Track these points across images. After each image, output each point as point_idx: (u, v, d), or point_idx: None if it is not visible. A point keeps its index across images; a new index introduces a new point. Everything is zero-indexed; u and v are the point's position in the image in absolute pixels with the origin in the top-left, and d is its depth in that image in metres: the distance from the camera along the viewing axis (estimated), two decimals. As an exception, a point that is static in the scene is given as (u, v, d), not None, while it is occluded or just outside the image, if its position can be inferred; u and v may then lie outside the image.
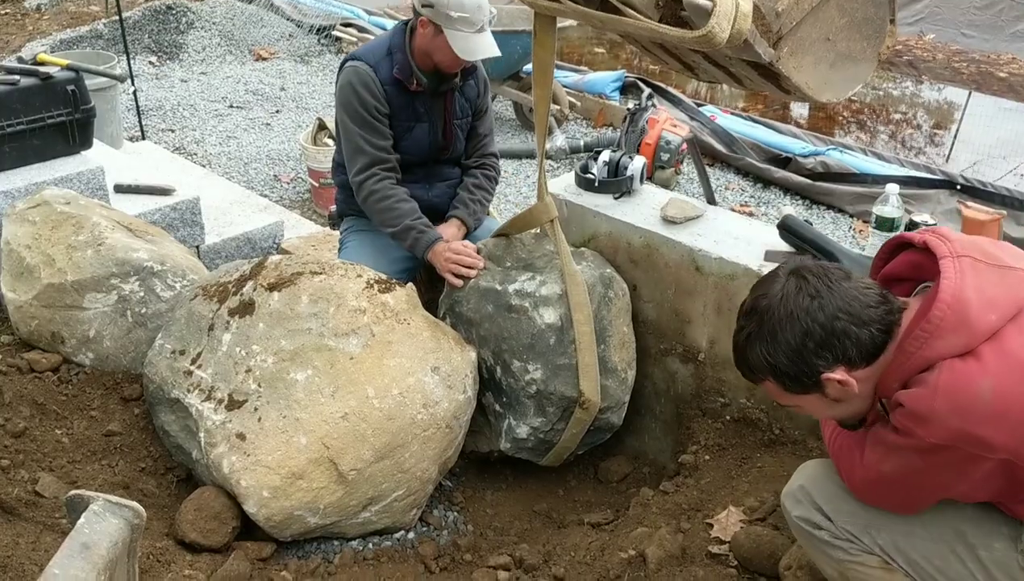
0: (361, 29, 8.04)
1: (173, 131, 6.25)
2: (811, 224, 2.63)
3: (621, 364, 2.75)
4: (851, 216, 5.05)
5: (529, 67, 5.63)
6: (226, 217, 4.07)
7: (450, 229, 3.04)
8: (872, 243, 2.45)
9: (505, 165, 5.69)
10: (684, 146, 5.02)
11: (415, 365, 2.48)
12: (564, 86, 6.51)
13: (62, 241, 2.77)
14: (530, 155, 5.77)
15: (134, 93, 5.83)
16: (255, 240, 4.00)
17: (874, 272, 1.77)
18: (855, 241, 4.74)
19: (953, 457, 1.53)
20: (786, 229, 2.57)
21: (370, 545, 2.53)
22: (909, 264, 1.68)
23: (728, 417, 2.70)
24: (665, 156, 5.05)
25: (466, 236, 3.08)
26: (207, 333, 2.55)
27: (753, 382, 1.71)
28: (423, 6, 2.79)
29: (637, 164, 2.95)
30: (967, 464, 1.54)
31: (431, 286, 3.14)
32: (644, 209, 2.88)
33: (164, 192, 3.56)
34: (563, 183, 3.05)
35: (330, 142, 4.89)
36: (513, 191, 5.29)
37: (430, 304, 2.87)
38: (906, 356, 1.51)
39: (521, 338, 2.66)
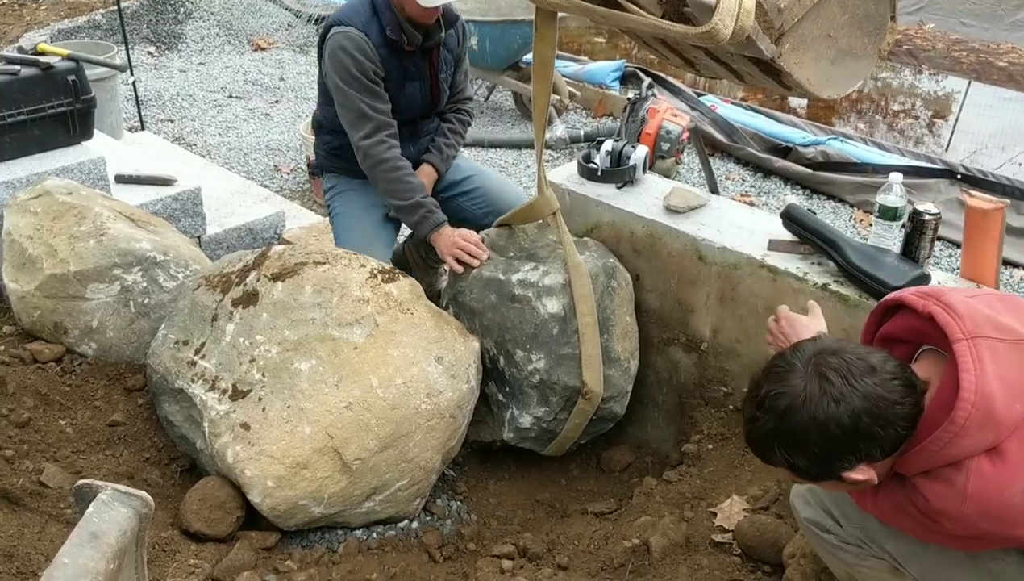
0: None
1: (172, 121, 6.23)
2: (814, 213, 2.63)
3: (624, 354, 2.75)
4: (851, 205, 5.05)
5: (529, 57, 5.63)
6: (227, 207, 4.07)
7: (422, 175, 3.08)
8: (875, 232, 2.44)
9: (505, 155, 5.70)
10: (685, 135, 5.01)
11: (419, 355, 2.48)
12: (564, 76, 6.50)
13: (64, 231, 2.77)
14: (530, 145, 5.76)
15: (133, 84, 5.81)
16: (256, 230, 3.99)
17: (869, 330, 1.71)
18: (855, 230, 4.75)
19: (978, 540, 1.52)
20: (789, 218, 2.57)
21: (374, 534, 2.54)
22: (909, 329, 1.60)
23: (731, 406, 2.71)
24: (666, 145, 5.03)
25: (438, 181, 3.17)
26: (211, 323, 2.55)
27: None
28: None
29: (640, 153, 2.95)
30: (993, 542, 1.54)
31: (424, 263, 3.28)
32: (647, 198, 2.88)
33: (165, 182, 3.56)
34: (565, 173, 3.05)
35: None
36: (513, 181, 5.28)
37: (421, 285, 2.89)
38: (929, 454, 1.45)
39: (524, 328, 2.66)
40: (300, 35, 8.34)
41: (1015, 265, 4.37)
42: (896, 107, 7.46)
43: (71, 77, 3.23)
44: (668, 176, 4.61)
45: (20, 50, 3.36)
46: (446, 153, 3.18)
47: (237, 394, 2.42)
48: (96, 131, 3.47)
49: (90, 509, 1.42)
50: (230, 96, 6.78)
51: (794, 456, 1.50)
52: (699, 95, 6.30)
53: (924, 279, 2.32)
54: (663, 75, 6.62)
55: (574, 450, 2.90)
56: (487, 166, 5.43)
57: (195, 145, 5.81)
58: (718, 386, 2.74)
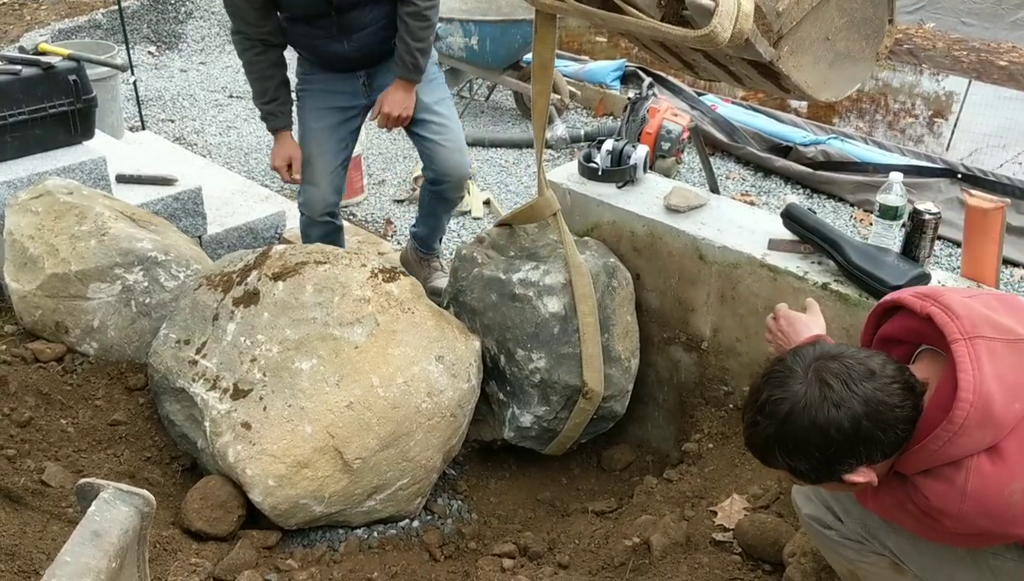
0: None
1: (173, 121, 6.23)
2: (815, 212, 2.63)
3: (624, 353, 2.75)
4: (852, 205, 5.04)
5: (529, 56, 5.62)
6: (228, 207, 4.07)
7: (397, 93, 3.08)
8: (875, 232, 2.44)
9: (506, 154, 5.69)
10: (685, 135, 5.02)
11: (419, 354, 2.49)
12: (564, 75, 6.49)
13: (65, 231, 2.77)
14: (531, 144, 5.76)
15: (134, 83, 5.81)
16: (257, 230, 4.00)
17: (868, 331, 1.71)
18: (856, 230, 4.75)
19: (978, 538, 1.53)
20: (790, 217, 2.57)
21: (375, 533, 2.54)
22: (907, 330, 1.61)
23: (731, 405, 2.71)
24: (666, 145, 5.03)
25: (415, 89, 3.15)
26: (212, 322, 2.56)
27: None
28: None
29: (640, 153, 2.95)
30: (993, 540, 1.54)
31: (421, 260, 3.61)
32: (647, 198, 2.88)
33: (166, 182, 3.56)
34: (566, 172, 3.05)
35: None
36: (514, 181, 5.28)
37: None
38: (928, 453, 1.46)
39: (525, 327, 2.66)
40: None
41: (1015, 264, 4.37)
42: (896, 106, 7.45)
43: (72, 77, 3.24)
44: (668, 175, 4.60)
45: (21, 50, 3.37)
46: (406, 60, 3.02)
47: (238, 393, 2.42)
48: (97, 131, 3.48)
49: (92, 508, 1.42)
50: (231, 96, 6.78)
51: (795, 460, 1.50)
52: (700, 95, 6.30)
53: (924, 278, 2.32)
54: (664, 74, 6.62)
55: (575, 449, 2.90)
56: (488, 165, 5.44)
57: (196, 145, 5.82)
58: (718, 385, 2.75)
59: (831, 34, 2.17)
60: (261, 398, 2.39)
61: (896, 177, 2.39)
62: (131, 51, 6.28)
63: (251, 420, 2.37)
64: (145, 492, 1.47)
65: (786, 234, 2.60)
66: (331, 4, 2.94)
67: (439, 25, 5.81)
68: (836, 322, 2.32)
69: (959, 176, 4.91)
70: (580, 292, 2.63)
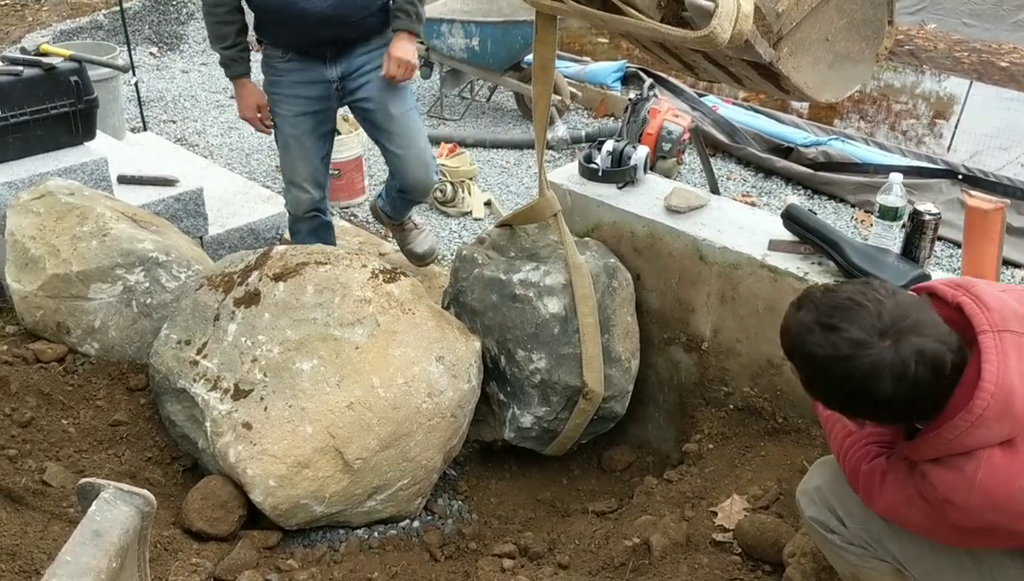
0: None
1: (175, 122, 6.23)
2: (815, 213, 2.63)
3: (625, 354, 2.76)
4: (852, 206, 5.04)
5: (530, 57, 5.62)
6: (229, 208, 4.08)
7: (401, 43, 3.11)
8: (876, 232, 2.45)
9: (507, 155, 5.69)
10: (686, 136, 5.02)
11: (420, 355, 2.49)
12: (565, 76, 6.49)
13: (67, 232, 2.77)
14: (532, 145, 5.76)
15: (135, 84, 5.82)
16: (258, 231, 4.00)
17: None
18: (856, 230, 4.74)
19: (983, 534, 1.53)
20: (790, 218, 2.57)
21: (375, 534, 2.54)
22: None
23: (731, 406, 2.71)
24: (667, 146, 5.04)
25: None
26: (213, 323, 2.56)
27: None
28: None
29: (641, 154, 2.96)
30: (998, 538, 1.54)
31: (390, 221, 3.79)
32: (648, 199, 2.88)
33: (167, 183, 3.57)
34: (567, 173, 3.05)
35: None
36: (515, 182, 5.28)
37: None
38: (943, 441, 1.46)
39: (525, 328, 2.67)
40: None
41: (1015, 265, 4.37)
42: (897, 107, 7.45)
43: (74, 78, 3.24)
44: (669, 176, 4.61)
45: (23, 51, 3.37)
46: (409, 9, 3.11)
47: (239, 394, 2.42)
48: (98, 132, 3.48)
49: (93, 508, 1.42)
50: (232, 96, 6.78)
51: (819, 384, 1.52)
52: (700, 96, 6.30)
53: (924, 279, 2.32)
54: (664, 75, 6.62)
55: (575, 450, 2.90)
56: (489, 166, 5.44)
57: (197, 145, 5.82)
58: (719, 386, 2.75)
59: (831, 35, 2.18)
60: (262, 398, 2.40)
61: (896, 178, 2.39)
62: (132, 52, 6.28)
63: (252, 420, 2.37)
64: (146, 492, 1.47)
65: (786, 235, 2.60)
66: None
67: (439, 25, 5.84)
68: (836, 323, 2.32)
69: (960, 177, 4.91)
70: (580, 293, 2.63)
